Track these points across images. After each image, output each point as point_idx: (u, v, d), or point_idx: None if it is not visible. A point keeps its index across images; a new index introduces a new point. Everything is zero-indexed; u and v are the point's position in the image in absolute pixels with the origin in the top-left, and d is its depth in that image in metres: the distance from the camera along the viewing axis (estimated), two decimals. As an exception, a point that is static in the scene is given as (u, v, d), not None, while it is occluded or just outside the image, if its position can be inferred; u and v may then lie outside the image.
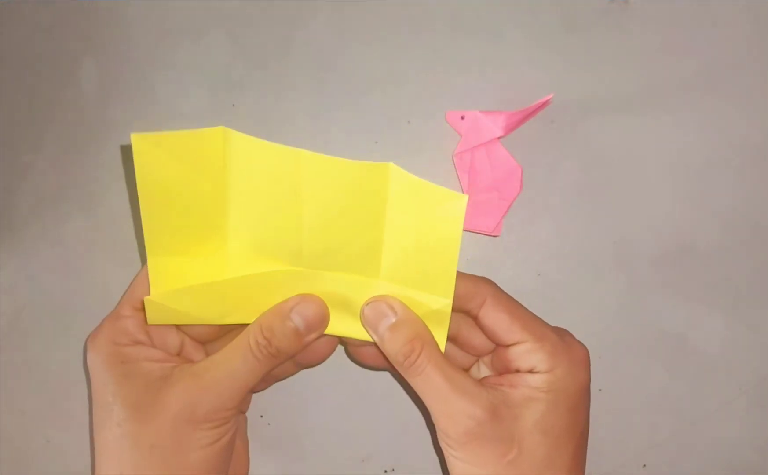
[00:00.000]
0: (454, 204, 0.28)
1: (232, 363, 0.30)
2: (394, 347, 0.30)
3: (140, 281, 0.32)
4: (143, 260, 0.34)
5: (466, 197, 0.28)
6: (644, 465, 0.36)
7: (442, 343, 0.31)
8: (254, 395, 0.36)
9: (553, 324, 0.31)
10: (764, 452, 0.35)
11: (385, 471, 0.37)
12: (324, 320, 0.31)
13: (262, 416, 0.37)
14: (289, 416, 0.37)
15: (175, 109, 0.38)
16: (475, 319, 0.31)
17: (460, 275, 0.30)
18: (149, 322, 0.31)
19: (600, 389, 0.36)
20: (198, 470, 0.30)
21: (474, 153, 0.36)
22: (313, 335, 0.31)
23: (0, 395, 0.38)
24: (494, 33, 0.37)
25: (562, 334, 0.30)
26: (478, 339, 0.32)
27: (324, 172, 0.28)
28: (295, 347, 0.31)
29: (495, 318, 0.30)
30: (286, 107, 0.37)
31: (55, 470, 0.37)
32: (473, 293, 0.30)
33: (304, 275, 0.31)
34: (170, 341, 0.32)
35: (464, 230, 0.36)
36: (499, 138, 0.36)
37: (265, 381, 0.34)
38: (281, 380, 0.36)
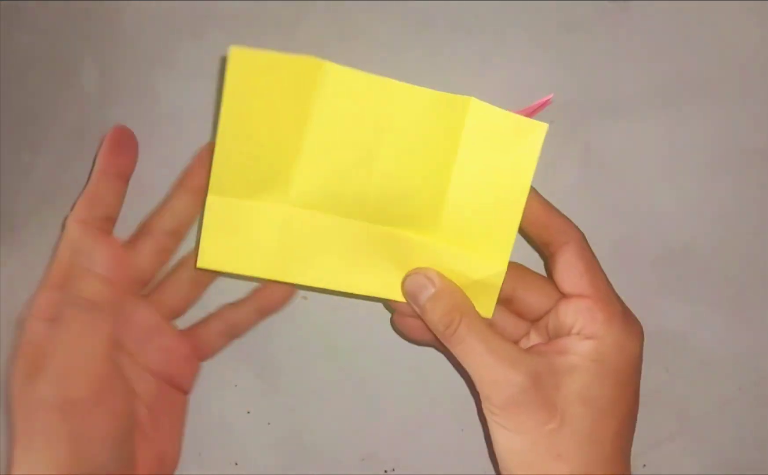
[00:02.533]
0: (532, 133, 0.29)
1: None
2: (434, 318, 0.30)
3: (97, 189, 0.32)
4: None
5: (545, 126, 0.29)
6: (644, 465, 0.36)
7: (490, 309, 0.31)
8: (254, 394, 0.36)
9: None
10: (764, 452, 0.35)
11: (385, 471, 0.36)
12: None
13: (262, 417, 0.37)
14: (289, 416, 0.37)
15: (175, 109, 0.38)
16: (552, 257, 0.31)
17: (558, 212, 0.30)
18: (199, 264, 0.30)
19: (600, 389, 0.36)
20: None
21: (474, 153, 0.36)
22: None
23: (0, 395, 0.38)
24: (494, 33, 0.37)
25: (627, 309, 0.30)
26: (534, 299, 0.32)
27: (406, 102, 0.29)
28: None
29: (571, 263, 0.30)
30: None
31: (55, 470, 0.37)
32: (562, 231, 0.30)
33: (360, 230, 0.31)
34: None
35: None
36: (499, 138, 0.36)
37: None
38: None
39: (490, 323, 0.32)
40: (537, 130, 0.29)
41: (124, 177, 0.33)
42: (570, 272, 0.30)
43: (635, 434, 0.35)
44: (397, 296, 0.32)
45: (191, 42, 0.38)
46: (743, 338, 0.36)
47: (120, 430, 0.29)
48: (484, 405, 0.30)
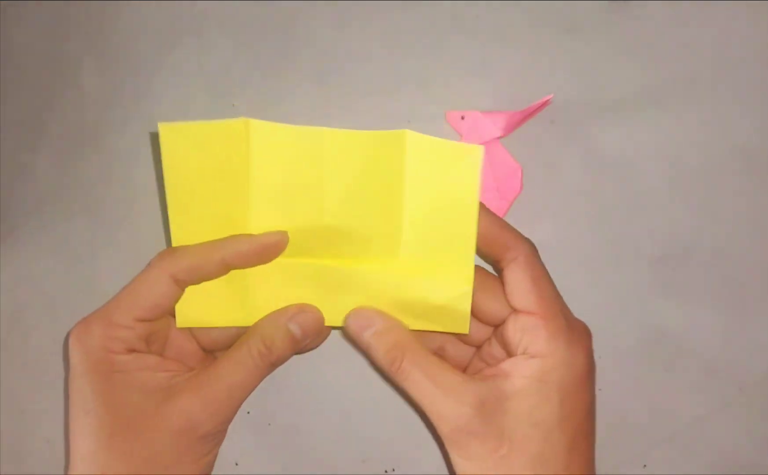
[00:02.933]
0: (470, 157, 0.29)
1: (233, 376, 0.30)
2: (378, 355, 0.30)
3: (143, 286, 0.30)
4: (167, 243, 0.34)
5: (481, 148, 0.28)
6: (644, 465, 0.36)
7: (465, 326, 0.31)
8: (254, 394, 0.36)
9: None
10: (764, 452, 0.35)
11: (386, 471, 0.37)
12: (319, 327, 0.32)
13: (262, 417, 0.37)
14: (289, 416, 0.37)
15: (175, 109, 0.38)
16: (501, 273, 0.31)
17: (507, 226, 0.30)
18: (179, 324, 0.32)
19: (600, 389, 0.36)
20: None
21: (474, 153, 0.36)
22: (308, 341, 0.32)
23: (0, 395, 0.38)
24: (494, 33, 0.37)
25: (572, 322, 0.30)
26: (492, 305, 0.31)
27: (343, 146, 0.29)
28: (291, 352, 0.32)
29: (518, 279, 0.29)
30: (286, 107, 0.37)
31: (55, 470, 0.37)
32: (510, 247, 0.30)
33: (326, 267, 0.31)
34: (174, 348, 0.32)
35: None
36: (499, 138, 0.36)
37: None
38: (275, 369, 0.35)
39: (441, 347, 0.33)
40: (474, 152, 0.29)
41: (227, 271, 0.31)
42: (517, 288, 0.30)
43: (634, 435, 0.35)
44: None
45: (191, 42, 0.38)
46: (743, 338, 0.36)
47: None
48: (438, 436, 0.30)
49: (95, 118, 0.38)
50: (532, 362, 0.28)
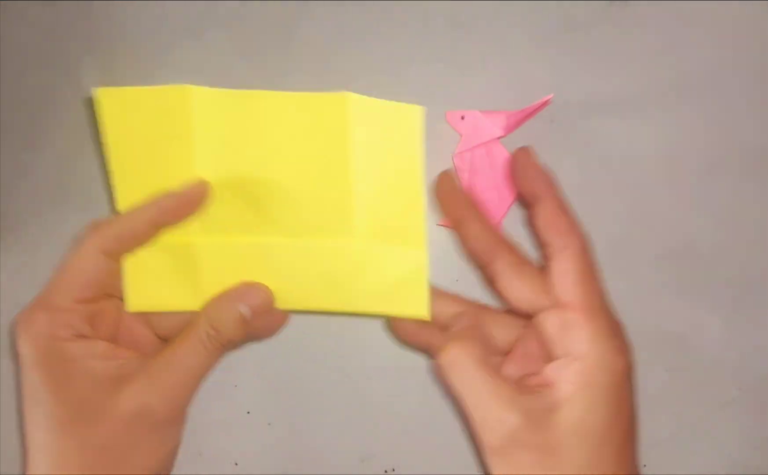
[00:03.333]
0: (411, 116, 0.28)
1: (184, 360, 0.30)
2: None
3: (74, 264, 0.30)
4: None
5: (422, 108, 0.28)
6: (644, 465, 0.36)
7: (424, 308, 0.30)
8: (254, 394, 0.36)
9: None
10: (764, 452, 0.35)
11: (386, 471, 0.36)
12: (269, 306, 0.31)
13: (262, 417, 0.37)
14: (289, 416, 0.37)
15: (175, 109, 0.38)
16: (549, 259, 0.30)
17: (566, 212, 0.29)
18: (128, 309, 0.31)
19: (600, 389, 0.36)
20: (149, 470, 0.29)
21: (474, 153, 0.36)
22: (259, 321, 0.31)
23: (0, 395, 0.38)
24: (494, 33, 0.37)
25: (614, 320, 0.29)
26: (498, 332, 0.31)
27: (286, 109, 0.29)
28: (243, 334, 0.31)
29: (567, 269, 0.28)
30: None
31: (55, 470, 0.37)
32: (564, 234, 0.29)
33: (278, 246, 0.31)
34: (127, 334, 0.32)
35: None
36: (499, 138, 0.36)
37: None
38: (229, 351, 0.35)
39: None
40: (414, 112, 0.28)
41: (162, 229, 0.31)
42: (564, 279, 0.29)
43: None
44: (331, 306, 0.32)
45: (191, 42, 0.38)
46: (743, 339, 0.36)
47: None
48: (479, 444, 0.29)
49: (95, 118, 0.38)
50: (576, 365, 0.27)
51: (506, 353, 0.32)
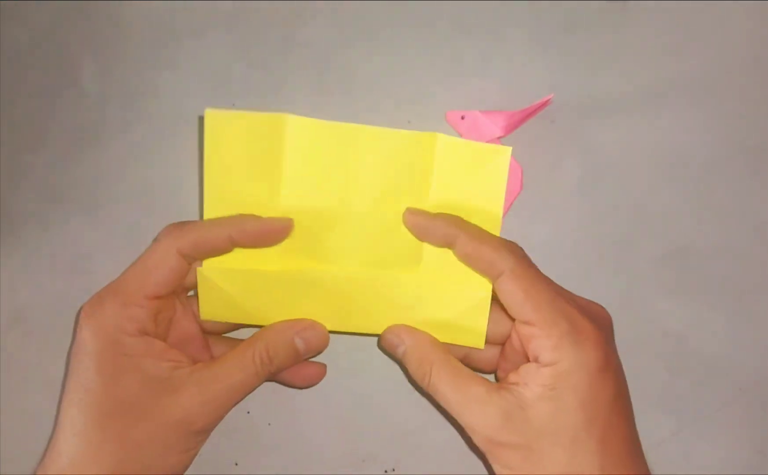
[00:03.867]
0: (498, 157, 0.30)
1: (233, 378, 0.31)
2: (411, 372, 0.31)
3: (151, 261, 0.31)
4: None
5: (509, 149, 0.30)
6: (644, 465, 0.36)
7: (481, 338, 0.31)
8: (254, 394, 0.36)
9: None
10: (764, 452, 0.35)
11: (386, 471, 0.36)
12: (324, 345, 0.33)
13: (262, 417, 0.37)
14: (289, 416, 0.37)
15: (175, 109, 0.38)
16: (494, 287, 0.30)
17: (486, 240, 0.30)
18: (202, 316, 0.32)
19: (600, 389, 0.36)
20: (172, 470, 0.30)
21: (474, 153, 0.36)
22: (311, 356, 0.33)
23: (0, 395, 0.38)
24: (494, 33, 0.37)
25: (576, 320, 0.29)
26: (492, 327, 0.32)
27: (374, 144, 0.30)
28: (293, 364, 0.33)
29: (509, 291, 0.29)
30: (286, 107, 0.37)
31: (55, 470, 0.37)
32: (495, 262, 0.29)
33: (347, 278, 0.32)
34: (178, 329, 0.33)
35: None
36: (499, 138, 0.36)
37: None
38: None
39: (466, 356, 0.33)
40: (502, 154, 0.30)
41: (232, 248, 0.32)
42: (511, 301, 0.29)
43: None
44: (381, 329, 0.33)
45: (191, 42, 0.38)
46: (743, 338, 0.36)
47: None
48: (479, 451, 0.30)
49: (95, 118, 0.38)
50: (544, 370, 0.28)
51: (502, 345, 0.33)
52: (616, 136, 0.36)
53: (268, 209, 0.31)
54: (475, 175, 0.30)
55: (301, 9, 0.37)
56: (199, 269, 0.32)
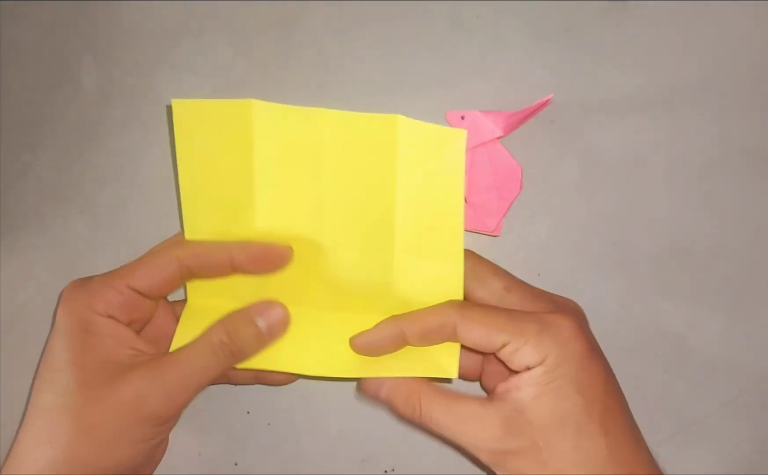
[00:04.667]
0: (456, 140, 0.29)
1: (189, 361, 0.30)
2: (399, 411, 0.31)
3: (149, 260, 0.31)
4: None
5: (464, 132, 0.29)
6: (644, 465, 0.36)
7: (455, 364, 0.31)
8: (254, 394, 0.36)
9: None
10: (764, 452, 0.35)
11: (385, 471, 0.36)
12: (286, 324, 0.32)
13: (262, 417, 0.37)
14: (289, 416, 0.37)
15: (175, 109, 0.38)
16: (460, 343, 0.31)
17: (426, 313, 0.30)
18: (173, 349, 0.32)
19: (600, 389, 0.36)
20: (127, 462, 0.30)
21: (474, 153, 0.36)
22: (273, 340, 0.32)
23: (0, 395, 0.38)
24: (494, 33, 0.37)
25: (544, 317, 0.29)
26: (477, 335, 0.32)
27: (339, 127, 0.30)
28: (256, 348, 0.32)
29: (472, 337, 0.29)
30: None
31: (55, 470, 0.37)
32: (439, 325, 0.30)
33: (316, 320, 0.33)
34: (154, 326, 0.33)
35: (465, 230, 0.36)
36: (499, 138, 0.36)
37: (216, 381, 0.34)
38: (235, 385, 0.36)
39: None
40: (459, 137, 0.29)
41: (231, 273, 0.32)
42: (479, 343, 0.29)
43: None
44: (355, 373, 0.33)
45: (191, 42, 0.38)
46: (743, 339, 0.36)
47: None
48: (483, 467, 0.30)
49: (95, 118, 0.38)
50: (535, 370, 0.28)
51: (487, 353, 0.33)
52: (615, 136, 0.36)
53: (244, 196, 0.32)
54: (435, 158, 0.30)
55: (301, 9, 0.37)
56: (189, 301, 0.33)
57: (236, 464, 0.37)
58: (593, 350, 0.29)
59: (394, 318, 0.30)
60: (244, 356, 0.31)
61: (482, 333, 0.29)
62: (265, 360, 0.32)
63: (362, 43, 0.37)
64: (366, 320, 0.32)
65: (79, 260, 0.38)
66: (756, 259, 0.36)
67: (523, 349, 0.28)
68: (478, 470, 0.36)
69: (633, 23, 0.36)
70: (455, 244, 0.31)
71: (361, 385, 0.32)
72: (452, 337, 0.30)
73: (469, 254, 0.32)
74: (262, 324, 0.31)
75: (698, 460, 0.35)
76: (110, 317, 0.30)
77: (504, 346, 0.29)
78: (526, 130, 0.36)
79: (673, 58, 0.36)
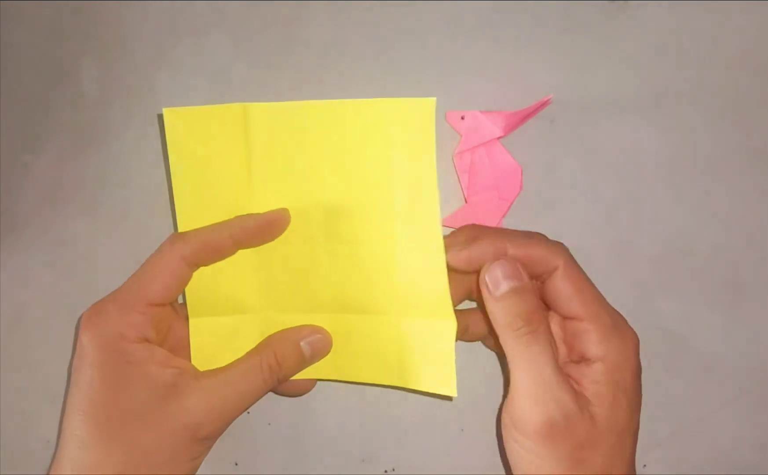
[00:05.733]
0: (424, 108, 0.29)
1: (241, 384, 0.31)
2: (512, 310, 0.29)
3: (155, 269, 0.31)
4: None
5: (433, 99, 0.29)
6: (644, 465, 0.36)
7: (452, 380, 0.31)
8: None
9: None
10: (764, 452, 0.35)
11: (385, 471, 0.37)
12: (327, 350, 0.33)
13: (262, 417, 0.37)
14: (289, 416, 0.37)
15: (175, 109, 0.38)
16: (542, 286, 0.31)
17: (533, 241, 0.30)
18: (199, 369, 0.32)
19: (600, 389, 0.36)
20: None
21: (474, 153, 0.36)
22: (314, 362, 0.33)
23: (0, 395, 0.38)
24: (494, 33, 0.37)
25: (617, 319, 0.30)
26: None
27: (332, 116, 0.30)
28: (299, 369, 0.33)
29: (560, 288, 0.29)
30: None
31: (55, 470, 0.37)
32: (545, 260, 0.30)
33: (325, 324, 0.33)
34: (173, 335, 0.33)
35: (464, 230, 0.36)
36: (499, 138, 0.36)
37: None
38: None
39: (465, 328, 0.33)
40: (427, 105, 0.29)
41: (240, 247, 0.32)
42: (561, 297, 0.30)
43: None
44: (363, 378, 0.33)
45: (191, 42, 0.38)
46: (743, 339, 0.36)
47: None
48: (516, 425, 0.29)
49: (95, 118, 0.38)
50: (595, 366, 0.29)
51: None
52: (615, 136, 0.36)
53: (242, 200, 0.32)
54: (407, 133, 0.30)
55: (301, 9, 0.37)
56: (191, 320, 0.33)
57: (236, 464, 0.37)
58: (640, 372, 0.30)
59: (495, 232, 0.30)
60: (288, 378, 0.33)
61: (572, 293, 0.29)
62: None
63: (362, 43, 0.37)
64: (369, 321, 0.32)
65: (79, 260, 0.38)
66: (756, 259, 0.36)
67: (590, 334, 0.29)
68: (478, 471, 0.36)
69: (633, 23, 0.36)
70: (434, 233, 0.30)
71: (486, 269, 0.29)
72: (545, 275, 0.30)
73: (562, 247, 0.31)
74: (305, 347, 0.32)
75: (698, 460, 0.35)
76: (144, 340, 0.30)
77: (575, 319, 0.29)
78: (526, 130, 0.36)
79: (673, 58, 0.36)
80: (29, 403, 0.38)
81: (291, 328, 0.33)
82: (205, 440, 0.30)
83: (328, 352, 0.33)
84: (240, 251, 0.32)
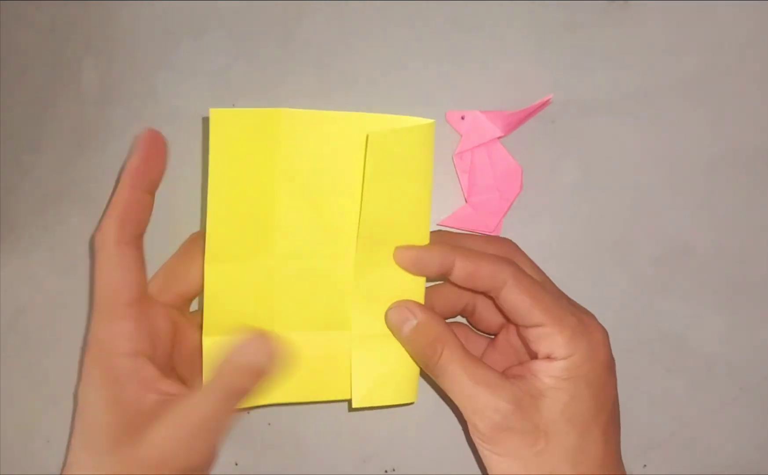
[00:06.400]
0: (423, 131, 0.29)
1: (202, 410, 0.28)
2: (417, 349, 0.30)
3: (183, 266, 0.31)
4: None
5: (432, 122, 0.29)
6: (644, 465, 0.36)
7: (421, 294, 0.31)
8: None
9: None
10: (764, 452, 0.35)
11: (386, 471, 0.37)
12: (281, 361, 0.30)
13: (262, 417, 0.37)
14: (289, 416, 0.37)
15: (175, 110, 0.38)
16: (495, 300, 0.30)
17: (482, 256, 0.30)
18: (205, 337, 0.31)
19: (600, 389, 0.36)
20: None
21: (474, 153, 0.36)
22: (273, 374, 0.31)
23: (0, 395, 0.38)
24: (494, 33, 0.37)
25: (581, 316, 0.30)
26: (490, 315, 0.33)
27: (347, 129, 0.31)
28: (257, 385, 0.30)
29: (515, 301, 0.29)
30: (285, 107, 0.37)
31: (55, 470, 0.37)
32: (494, 276, 0.29)
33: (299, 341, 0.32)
34: (184, 344, 0.32)
35: (464, 231, 0.36)
36: (499, 138, 0.36)
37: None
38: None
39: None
40: (426, 127, 0.29)
41: (154, 190, 0.31)
42: (518, 310, 0.29)
43: (634, 435, 0.35)
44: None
45: (191, 42, 0.38)
46: (743, 339, 0.36)
47: None
48: (471, 433, 0.30)
49: (95, 118, 0.38)
50: (558, 363, 0.29)
51: (495, 333, 0.34)
52: (616, 136, 0.36)
53: (265, 202, 0.31)
54: (406, 155, 0.30)
55: (301, 9, 0.37)
56: (204, 339, 0.31)
57: (236, 464, 0.37)
58: (612, 365, 0.30)
59: (451, 246, 0.30)
60: (248, 394, 0.30)
61: (526, 303, 0.29)
62: (263, 397, 0.31)
63: (362, 43, 0.37)
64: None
65: (79, 260, 0.38)
66: (756, 259, 0.36)
67: (555, 338, 0.29)
68: (478, 471, 0.36)
69: (633, 23, 0.36)
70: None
71: (391, 311, 0.31)
72: (495, 291, 0.30)
73: (512, 245, 0.32)
74: (260, 361, 0.29)
75: (698, 460, 0.35)
76: (135, 353, 0.29)
77: (537, 326, 0.29)
78: (526, 130, 0.36)
79: (673, 58, 0.36)
80: (29, 403, 0.38)
81: (239, 342, 0.29)
82: (189, 468, 0.28)
83: (282, 361, 0.30)
84: (263, 269, 0.31)
